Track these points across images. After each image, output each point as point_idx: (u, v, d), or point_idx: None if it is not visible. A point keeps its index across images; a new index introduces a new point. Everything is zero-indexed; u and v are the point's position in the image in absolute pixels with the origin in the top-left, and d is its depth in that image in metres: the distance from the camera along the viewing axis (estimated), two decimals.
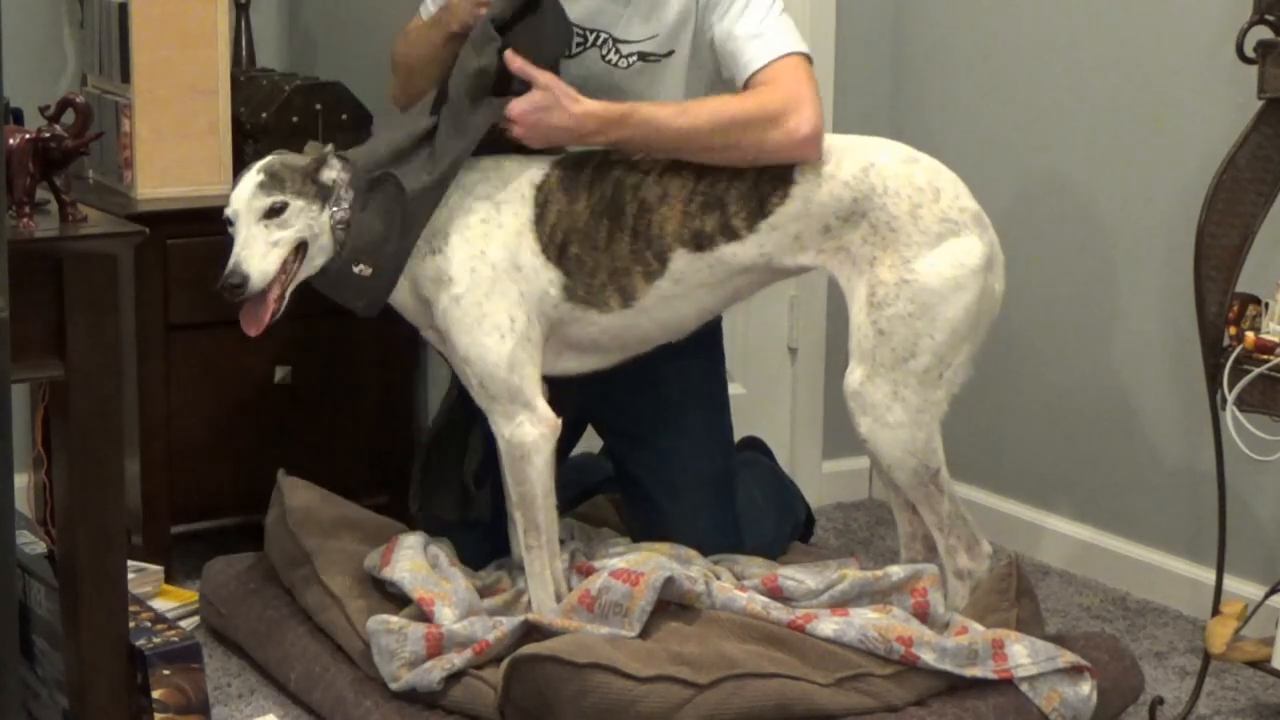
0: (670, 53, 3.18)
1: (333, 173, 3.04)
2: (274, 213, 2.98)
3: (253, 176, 3.02)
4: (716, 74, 3.20)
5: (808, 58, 3.11)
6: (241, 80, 3.78)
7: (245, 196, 3.00)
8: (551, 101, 3.04)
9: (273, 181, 3.00)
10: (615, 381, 3.27)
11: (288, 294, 3.02)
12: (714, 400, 3.44)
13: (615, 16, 3.16)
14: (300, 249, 3.01)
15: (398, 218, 3.01)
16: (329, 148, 3.07)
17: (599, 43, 3.17)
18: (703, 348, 3.38)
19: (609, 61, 3.18)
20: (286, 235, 2.99)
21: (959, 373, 3.10)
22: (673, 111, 3.07)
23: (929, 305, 3.04)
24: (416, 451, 3.48)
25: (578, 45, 3.17)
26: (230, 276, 2.95)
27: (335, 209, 3.03)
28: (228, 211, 3.01)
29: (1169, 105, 3.61)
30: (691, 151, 3.07)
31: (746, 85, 3.10)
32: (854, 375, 3.08)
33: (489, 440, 3.17)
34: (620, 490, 3.52)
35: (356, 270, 3.04)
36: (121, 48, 3.61)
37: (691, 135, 3.05)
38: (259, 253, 2.97)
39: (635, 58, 3.17)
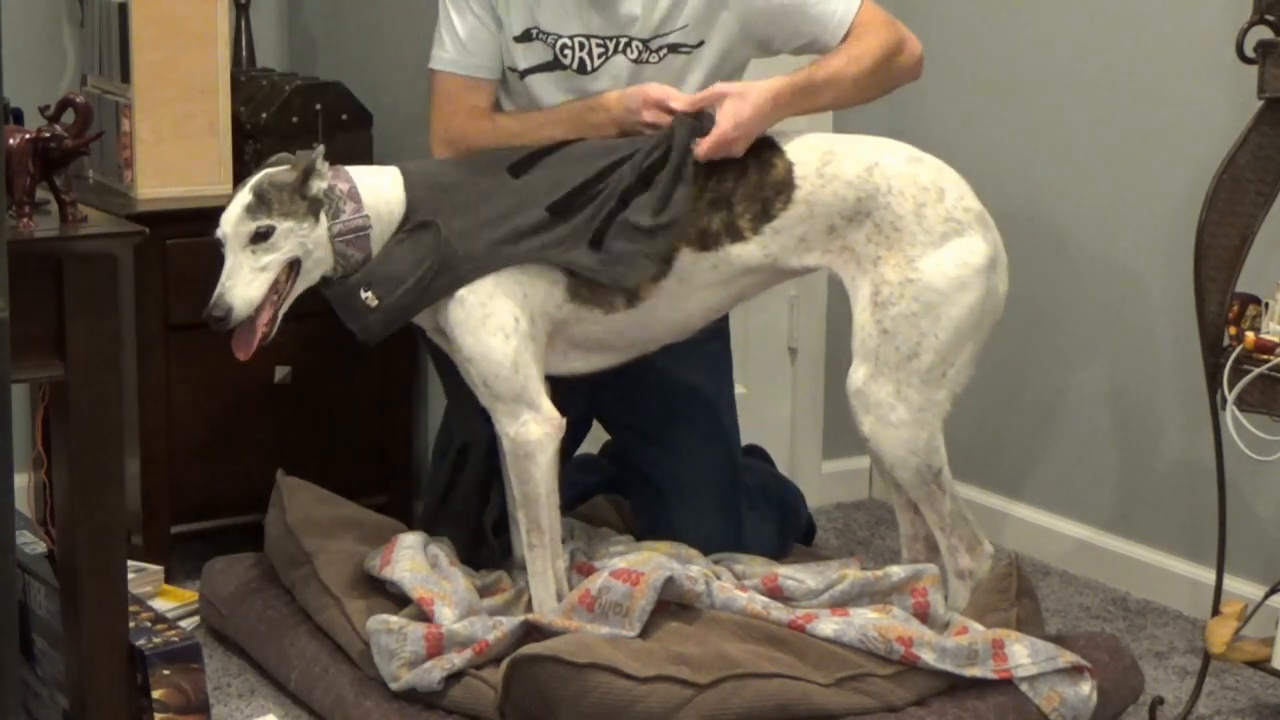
0: (700, 43, 3.18)
1: (322, 182, 2.99)
2: (260, 237, 2.94)
3: (241, 198, 2.96)
4: (757, 51, 3.23)
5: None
6: (241, 80, 3.78)
7: (233, 221, 2.94)
8: (722, 105, 3.06)
9: (259, 204, 2.94)
10: (625, 378, 3.28)
11: (280, 314, 2.98)
12: (722, 398, 3.44)
13: (636, 19, 3.15)
14: (293, 266, 2.97)
15: (424, 267, 2.99)
16: (316, 154, 3.00)
17: (623, 48, 3.17)
18: (711, 346, 3.38)
19: (641, 60, 3.18)
20: (274, 259, 2.95)
21: (962, 372, 3.10)
22: (842, 62, 3.15)
23: (933, 305, 3.04)
24: (426, 487, 3.47)
25: (600, 57, 3.17)
26: (214, 308, 2.92)
27: (335, 222, 2.99)
28: (218, 233, 2.97)
29: (1169, 105, 3.61)
30: (854, 98, 3.20)
31: (844, 39, 3.17)
32: (857, 374, 3.08)
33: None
34: (626, 488, 3.52)
35: (364, 296, 3.01)
36: (121, 48, 3.61)
37: (862, 80, 3.17)
38: (244, 280, 2.93)
39: (665, 50, 3.18)
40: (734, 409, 3.48)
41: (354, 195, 3.02)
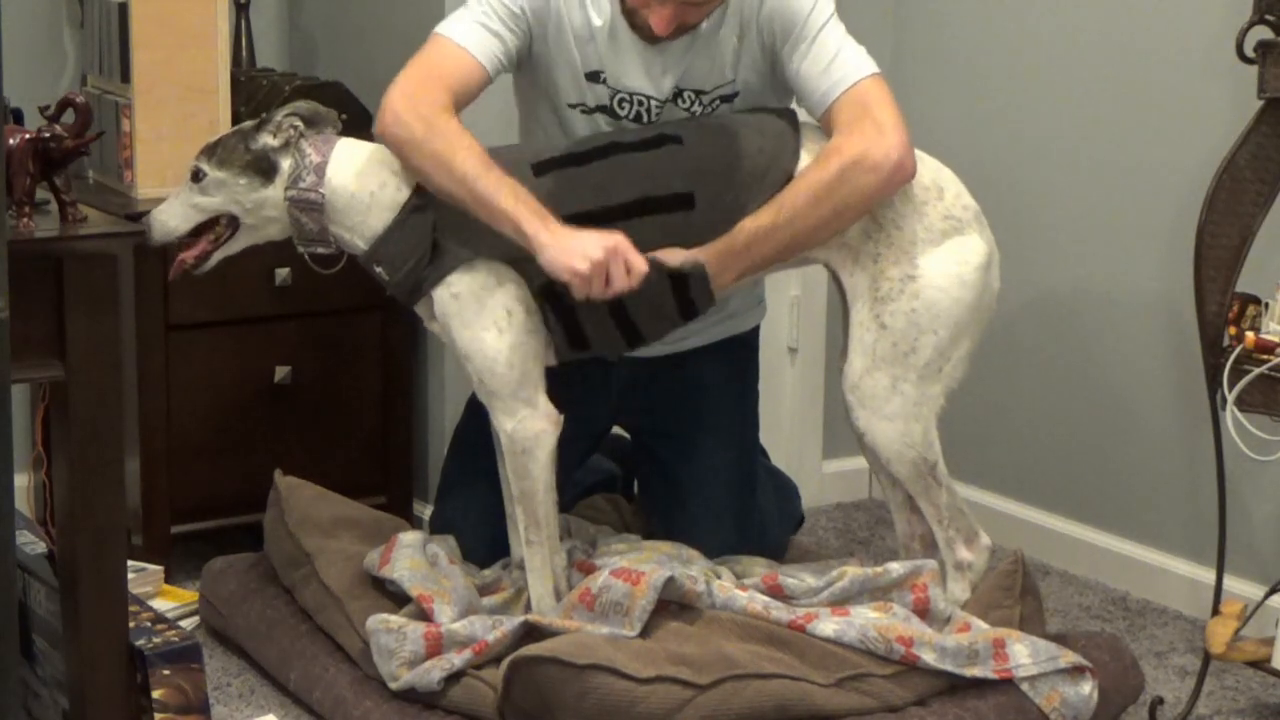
0: (738, 93, 3.16)
1: (271, 139, 3.05)
2: (195, 177, 3.04)
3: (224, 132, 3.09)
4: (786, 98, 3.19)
5: (876, 76, 3.04)
6: (241, 80, 3.78)
7: (198, 149, 3.06)
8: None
9: (217, 144, 3.05)
10: (655, 383, 3.32)
11: (212, 259, 3.08)
12: (747, 407, 3.45)
13: (706, 72, 3.13)
14: (232, 221, 3.06)
15: (422, 250, 3.00)
16: (282, 110, 3.05)
17: (678, 97, 3.14)
18: (740, 355, 3.41)
19: (692, 111, 3.15)
20: (205, 202, 3.04)
21: (957, 368, 3.11)
22: (772, 213, 3.00)
23: (933, 302, 3.04)
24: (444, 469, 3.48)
25: (656, 112, 3.14)
26: (144, 219, 3.05)
27: (291, 189, 3.03)
28: None
29: (1169, 105, 3.61)
30: (809, 236, 3.01)
31: (821, 120, 3.07)
32: (853, 368, 3.09)
33: None
34: (641, 486, 3.52)
35: (377, 270, 3.06)
36: (121, 48, 3.61)
37: (801, 224, 2.99)
38: (174, 211, 3.04)
39: (718, 102, 3.15)
40: (757, 419, 3.49)
41: (319, 170, 3.04)
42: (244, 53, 3.93)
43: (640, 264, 2.91)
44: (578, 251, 2.87)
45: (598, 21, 3.09)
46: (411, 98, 2.99)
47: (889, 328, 3.05)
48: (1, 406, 2.02)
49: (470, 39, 3.05)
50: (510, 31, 3.07)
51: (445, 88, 3.01)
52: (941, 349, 3.07)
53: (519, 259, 2.99)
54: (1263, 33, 3.01)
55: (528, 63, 3.15)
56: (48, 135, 2.64)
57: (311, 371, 3.73)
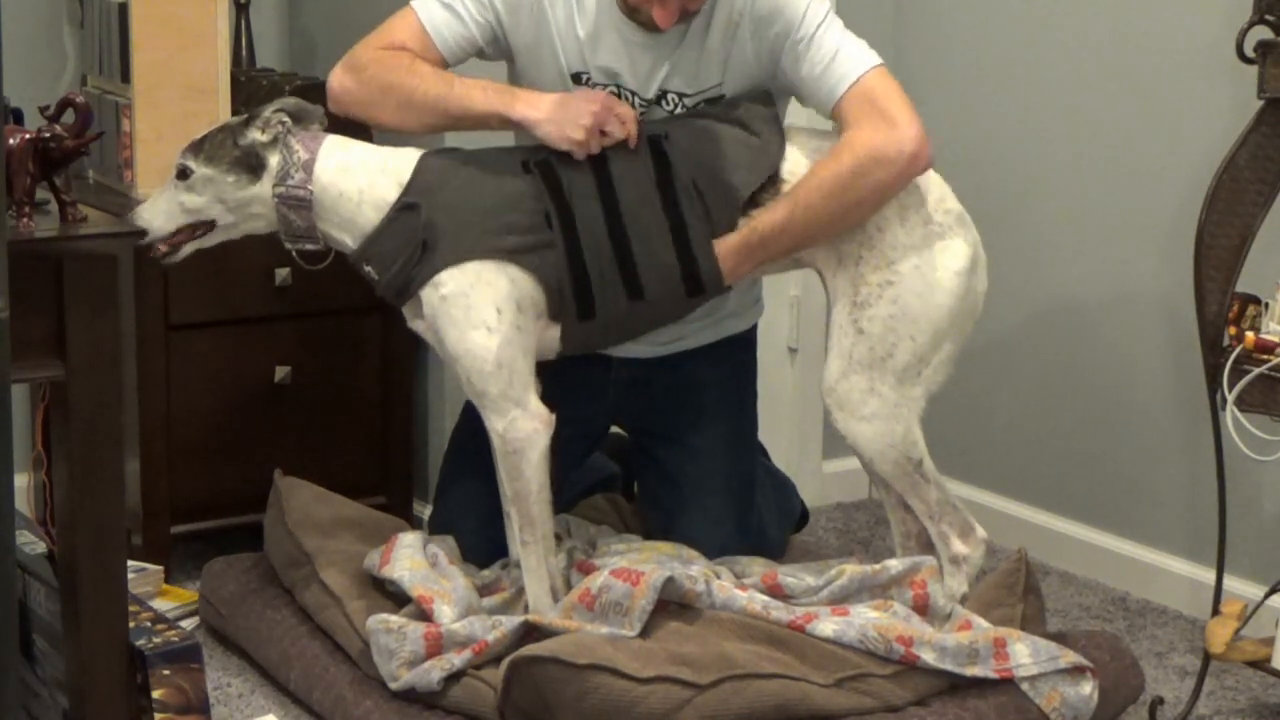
0: (723, 96, 3.15)
1: (260, 135, 3.03)
2: (182, 174, 3.03)
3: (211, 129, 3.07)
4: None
5: (879, 68, 3.04)
6: (241, 80, 3.78)
7: (182, 147, 3.05)
8: None
9: (203, 140, 3.04)
10: (654, 384, 3.32)
11: (184, 250, 3.07)
12: (746, 408, 3.45)
13: (691, 74, 3.12)
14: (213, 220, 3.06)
15: (411, 248, 2.99)
16: (270, 106, 3.04)
17: (662, 99, 3.13)
18: (740, 356, 3.41)
19: (674, 115, 3.15)
20: (191, 201, 3.04)
21: (939, 370, 3.11)
22: (787, 208, 3.02)
23: (911, 307, 3.05)
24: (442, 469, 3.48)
25: (640, 110, 3.12)
26: (131, 215, 3.06)
27: (280, 186, 3.02)
28: None
29: (1169, 105, 3.61)
30: (824, 230, 3.03)
31: (832, 120, 3.08)
32: (830, 371, 3.09)
33: None
34: (639, 485, 3.52)
35: (366, 269, 3.06)
36: (121, 48, 3.61)
37: (815, 219, 3.01)
38: (160, 209, 3.04)
39: (702, 105, 3.15)
40: (756, 419, 3.49)
41: (308, 167, 3.03)
42: (244, 53, 3.93)
43: (629, 110, 3.03)
44: (570, 122, 3.00)
45: (580, 27, 3.09)
46: (354, 68, 3.13)
47: (866, 333, 3.05)
48: (1, 406, 2.02)
49: (434, 18, 3.12)
50: (476, 21, 3.10)
51: (388, 48, 3.12)
52: (920, 354, 3.07)
53: (512, 254, 2.99)
54: (1263, 33, 3.01)
55: (512, 62, 3.17)
56: (48, 135, 2.64)
57: (311, 371, 3.73)
